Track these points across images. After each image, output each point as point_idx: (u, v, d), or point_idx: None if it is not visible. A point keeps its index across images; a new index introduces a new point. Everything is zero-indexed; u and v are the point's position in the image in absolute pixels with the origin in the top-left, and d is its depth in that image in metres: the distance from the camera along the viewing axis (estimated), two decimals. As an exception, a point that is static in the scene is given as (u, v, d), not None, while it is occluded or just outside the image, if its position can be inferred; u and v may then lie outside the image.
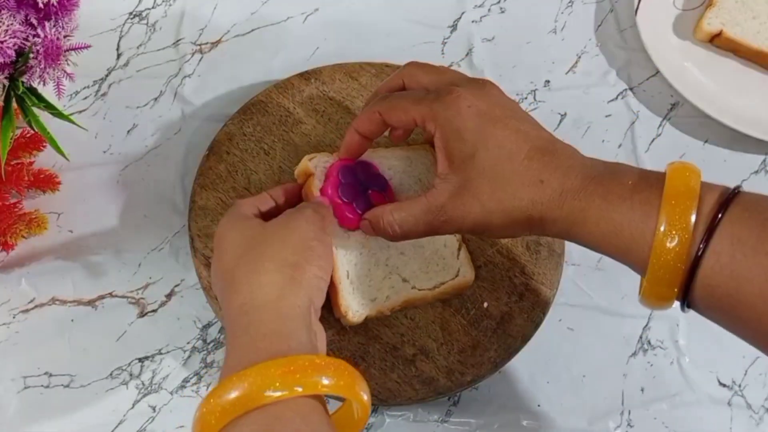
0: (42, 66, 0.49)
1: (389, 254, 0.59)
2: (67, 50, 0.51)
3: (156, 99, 0.72)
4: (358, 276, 0.57)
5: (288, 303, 0.47)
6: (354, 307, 0.57)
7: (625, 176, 0.46)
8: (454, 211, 0.49)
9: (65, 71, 0.51)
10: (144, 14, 0.76)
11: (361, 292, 0.57)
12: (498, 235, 0.51)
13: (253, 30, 0.76)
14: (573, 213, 0.46)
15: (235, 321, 0.47)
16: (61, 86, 0.51)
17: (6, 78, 0.49)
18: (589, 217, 0.46)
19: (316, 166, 0.58)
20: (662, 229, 0.43)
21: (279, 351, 0.44)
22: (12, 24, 0.47)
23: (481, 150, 0.48)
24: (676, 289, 0.44)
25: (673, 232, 0.43)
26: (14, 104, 0.51)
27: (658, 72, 0.75)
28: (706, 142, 0.75)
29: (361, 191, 0.57)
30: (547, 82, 0.77)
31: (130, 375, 0.62)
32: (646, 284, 0.45)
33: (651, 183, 0.45)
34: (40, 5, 0.48)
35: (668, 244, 0.42)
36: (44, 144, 0.66)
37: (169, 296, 0.64)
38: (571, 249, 0.66)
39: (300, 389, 0.41)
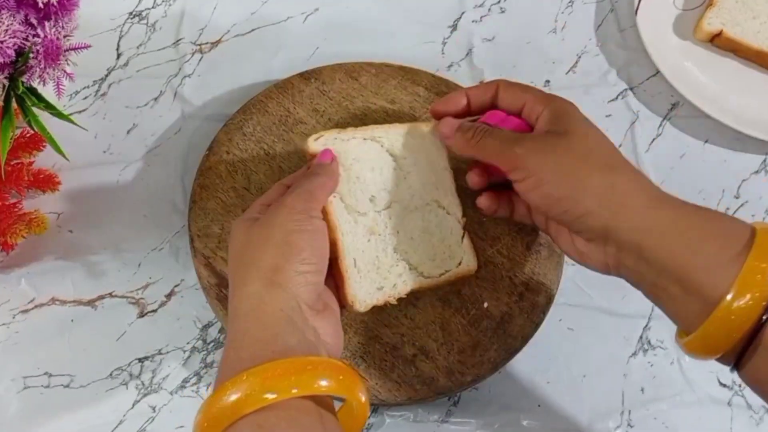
0: (42, 66, 0.49)
1: (398, 240, 0.58)
2: (67, 50, 0.51)
3: (156, 99, 0.72)
4: (365, 263, 0.56)
5: (269, 309, 0.46)
6: (360, 297, 0.55)
7: (712, 216, 0.47)
8: (536, 146, 0.51)
9: (65, 71, 0.51)
10: (144, 14, 0.76)
11: (369, 280, 0.56)
12: (561, 193, 0.49)
13: (253, 30, 0.77)
14: (650, 220, 0.47)
15: (228, 324, 0.48)
16: (61, 86, 0.51)
17: (6, 78, 0.49)
18: (668, 232, 0.46)
19: (324, 144, 0.57)
20: (738, 283, 0.43)
21: (260, 357, 0.44)
22: (12, 24, 0.47)
23: (584, 125, 0.52)
24: (728, 347, 0.44)
25: (748, 290, 0.42)
26: (14, 104, 0.51)
27: (658, 72, 0.75)
28: (706, 142, 0.75)
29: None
30: (547, 82, 0.77)
31: (130, 375, 0.62)
32: (699, 332, 0.44)
33: (740, 234, 0.45)
34: (40, 5, 0.48)
35: (738, 302, 0.42)
36: (44, 144, 0.66)
37: (169, 296, 0.64)
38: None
39: (273, 396, 0.42)
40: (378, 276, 0.56)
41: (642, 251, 0.47)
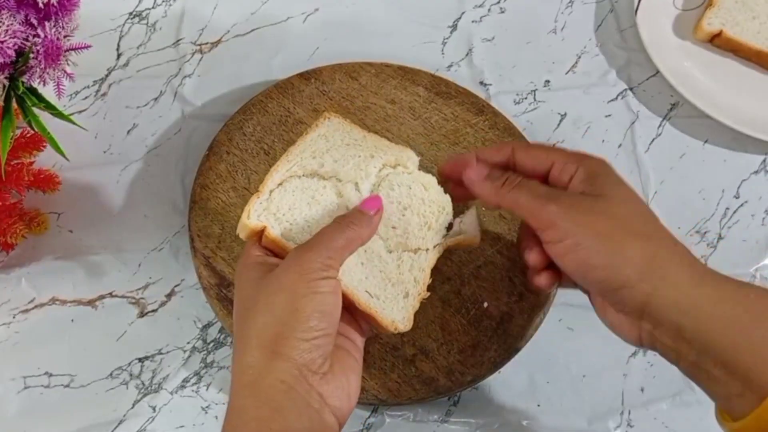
0: (42, 66, 0.49)
1: (386, 237, 0.54)
2: (67, 50, 0.51)
3: (156, 99, 0.72)
4: (377, 286, 0.53)
5: (268, 383, 0.44)
6: (398, 317, 0.52)
7: (758, 294, 0.44)
8: (570, 208, 0.46)
9: (65, 71, 0.51)
10: (144, 14, 0.76)
11: (392, 296, 0.53)
12: (597, 261, 0.45)
13: (253, 30, 0.77)
14: (693, 298, 0.44)
15: (228, 406, 0.45)
16: (61, 86, 0.51)
17: (6, 78, 0.49)
18: (713, 313, 0.43)
19: (259, 215, 0.53)
20: None
21: None
22: (12, 24, 0.47)
23: (623, 189, 0.48)
24: None
25: None
26: (14, 104, 0.51)
27: (658, 72, 0.75)
28: (706, 142, 0.75)
29: None
30: (547, 82, 0.77)
31: (130, 375, 0.62)
32: (752, 419, 0.42)
33: None
34: (40, 5, 0.48)
35: None
36: (44, 144, 0.66)
37: (169, 296, 0.64)
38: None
39: None
40: (395, 287, 0.53)
41: (682, 331, 0.44)
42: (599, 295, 0.48)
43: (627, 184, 0.49)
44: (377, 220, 0.51)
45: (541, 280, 0.51)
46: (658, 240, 0.46)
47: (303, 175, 0.55)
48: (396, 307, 0.53)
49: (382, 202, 0.52)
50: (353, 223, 0.49)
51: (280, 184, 0.55)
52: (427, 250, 0.55)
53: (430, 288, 0.55)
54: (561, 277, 0.51)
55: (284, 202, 0.54)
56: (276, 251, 0.52)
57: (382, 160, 0.56)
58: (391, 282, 0.54)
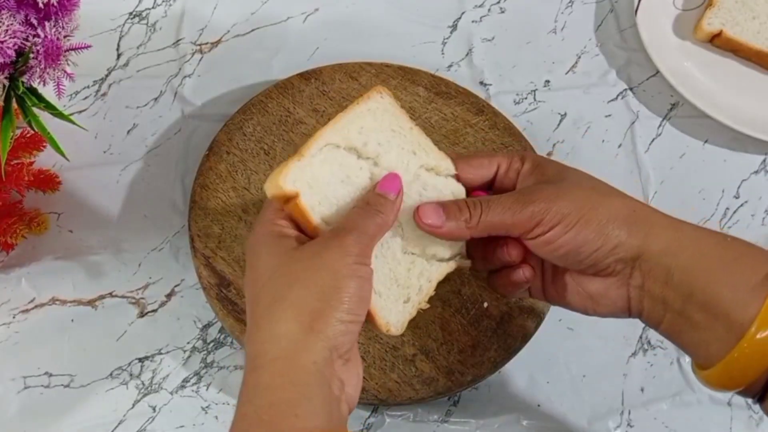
0: (42, 66, 0.49)
1: (404, 234, 0.52)
2: (67, 50, 0.51)
3: (156, 99, 0.72)
4: (383, 284, 0.51)
5: (302, 361, 0.42)
6: (393, 320, 0.51)
7: (732, 239, 0.46)
8: (548, 194, 0.48)
9: (65, 71, 0.51)
10: (144, 14, 0.76)
11: (394, 298, 0.51)
12: (592, 230, 0.47)
13: (253, 30, 0.77)
14: (677, 241, 0.46)
15: (248, 372, 0.44)
16: (61, 86, 0.51)
17: (6, 78, 0.49)
18: (694, 255, 0.45)
19: (296, 180, 0.49)
20: (762, 315, 0.42)
21: (279, 425, 0.41)
22: (12, 24, 0.47)
23: (572, 170, 0.50)
24: (751, 379, 0.43)
25: None
26: (14, 104, 0.51)
27: (658, 72, 0.75)
28: (706, 142, 0.75)
29: None
30: (547, 82, 0.77)
31: (130, 375, 0.62)
32: (722, 364, 0.44)
33: (763, 259, 0.45)
34: (40, 5, 0.48)
35: (761, 334, 0.42)
36: (44, 144, 0.66)
37: (169, 296, 0.64)
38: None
39: None
40: (400, 289, 0.52)
41: (670, 275, 0.46)
42: (591, 266, 0.49)
43: (568, 166, 0.52)
44: (399, 202, 0.49)
45: (527, 272, 0.51)
46: (629, 197, 0.49)
47: (344, 148, 0.52)
48: (395, 309, 0.51)
49: (401, 182, 0.50)
50: (380, 211, 0.48)
51: (321, 151, 0.51)
52: (440, 260, 0.53)
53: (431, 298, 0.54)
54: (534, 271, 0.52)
55: (321, 173, 0.51)
56: (298, 220, 0.50)
57: (423, 161, 0.54)
58: (398, 283, 0.52)
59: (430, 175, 0.54)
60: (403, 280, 0.52)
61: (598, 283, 0.49)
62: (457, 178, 0.53)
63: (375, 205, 0.48)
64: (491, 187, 0.53)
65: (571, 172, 0.50)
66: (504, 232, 0.49)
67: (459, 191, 0.54)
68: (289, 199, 0.49)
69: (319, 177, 0.50)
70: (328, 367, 0.43)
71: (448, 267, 0.53)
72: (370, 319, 0.50)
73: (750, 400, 0.47)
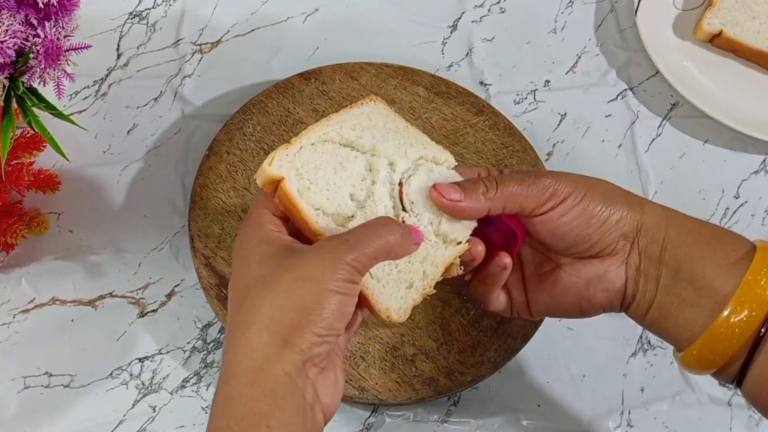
0: (42, 66, 0.49)
1: (411, 214, 0.50)
2: (67, 50, 0.51)
3: (156, 99, 0.72)
4: (382, 269, 0.49)
5: (274, 371, 0.42)
6: (394, 306, 0.48)
7: (712, 224, 0.50)
8: (557, 173, 0.50)
9: (65, 71, 0.51)
10: (144, 14, 0.76)
11: (394, 283, 0.49)
12: (599, 202, 0.49)
13: (253, 30, 0.77)
14: (667, 216, 0.49)
15: (220, 383, 0.43)
16: (61, 86, 0.51)
17: (6, 78, 0.49)
18: (682, 230, 0.48)
19: (281, 165, 0.48)
20: (736, 298, 0.44)
21: None
22: (12, 24, 0.47)
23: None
24: (723, 361, 0.45)
25: (746, 305, 0.44)
26: (14, 104, 0.51)
27: (658, 72, 0.75)
28: (706, 142, 0.75)
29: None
30: (547, 82, 0.77)
31: (130, 375, 0.62)
32: (697, 344, 0.46)
33: (740, 242, 0.48)
34: (40, 5, 0.48)
35: (736, 317, 0.44)
36: (44, 144, 0.66)
37: (169, 296, 0.64)
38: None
39: None
40: (401, 274, 0.49)
41: (664, 251, 0.48)
42: (592, 248, 0.50)
43: None
44: (415, 249, 0.48)
45: (506, 259, 0.51)
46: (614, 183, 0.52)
47: (338, 143, 0.52)
48: (396, 294, 0.49)
49: (423, 236, 0.50)
50: (397, 233, 0.46)
51: (312, 144, 0.51)
52: (452, 242, 0.51)
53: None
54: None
55: (311, 159, 0.50)
56: (286, 208, 0.49)
57: (421, 152, 0.53)
58: (398, 268, 0.50)
59: (431, 165, 0.52)
60: (403, 264, 0.50)
61: (597, 264, 0.50)
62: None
63: (395, 227, 0.47)
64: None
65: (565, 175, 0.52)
66: (518, 208, 0.49)
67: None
68: (277, 187, 0.48)
69: (310, 163, 0.50)
70: (301, 377, 0.43)
71: (456, 251, 0.51)
72: (368, 306, 0.48)
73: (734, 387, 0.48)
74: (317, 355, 0.43)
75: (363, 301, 0.48)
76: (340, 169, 0.51)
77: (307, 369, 0.43)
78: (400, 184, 0.51)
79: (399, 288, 0.49)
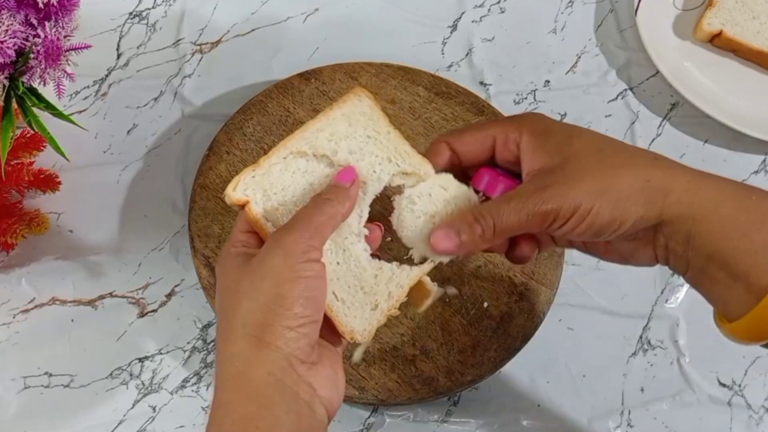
0: (42, 66, 0.49)
1: (415, 247, 0.51)
2: (67, 50, 0.51)
3: (156, 99, 0.72)
4: (346, 290, 0.49)
5: (256, 375, 0.42)
6: (359, 328, 0.49)
7: (758, 195, 0.46)
8: (557, 188, 0.46)
9: (65, 71, 0.51)
10: (144, 14, 0.76)
11: (358, 305, 0.49)
12: (607, 214, 0.46)
13: (253, 30, 0.77)
14: (695, 206, 0.45)
15: (214, 394, 0.44)
16: (61, 86, 0.51)
17: (6, 78, 0.49)
18: (713, 219, 0.44)
19: (246, 189, 0.49)
20: None
21: None
22: (12, 24, 0.47)
23: (575, 137, 0.48)
24: None
25: None
26: (14, 104, 0.51)
27: (658, 72, 0.75)
28: (706, 142, 0.75)
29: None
30: (547, 82, 0.77)
31: (130, 375, 0.62)
32: (747, 318, 0.44)
33: None
34: (40, 5, 0.48)
35: None
36: (44, 144, 0.66)
37: (169, 296, 0.64)
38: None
39: None
40: (366, 296, 0.50)
41: (692, 239, 0.46)
42: (615, 239, 0.48)
43: (569, 125, 0.50)
44: (354, 192, 0.48)
45: (525, 249, 0.50)
46: (642, 163, 0.47)
47: (312, 155, 0.51)
48: (361, 316, 0.49)
49: (356, 172, 0.49)
50: (330, 199, 0.47)
51: (284, 158, 0.51)
52: (421, 260, 0.51)
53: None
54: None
55: (280, 180, 0.50)
56: (255, 228, 0.49)
57: (399, 168, 0.52)
58: (363, 290, 0.50)
59: (410, 183, 0.52)
60: (369, 286, 0.50)
61: (626, 245, 0.49)
62: (455, 159, 0.51)
63: (325, 194, 0.47)
64: (492, 159, 0.51)
65: (576, 142, 0.48)
66: (520, 233, 0.48)
67: (444, 181, 0.52)
68: (243, 208, 0.49)
69: (278, 184, 0.50)
70: (289, 375, 0.43)
71: (420, 271, 0.51)
72: (330, 323, 0.48)
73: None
74: (299, 350, 0.43)
75: (327, 321, 0.47)
76: (310, 191, 0.50)
77: (294, 366, 0.43)
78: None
79: (364, 310, 0.49)
